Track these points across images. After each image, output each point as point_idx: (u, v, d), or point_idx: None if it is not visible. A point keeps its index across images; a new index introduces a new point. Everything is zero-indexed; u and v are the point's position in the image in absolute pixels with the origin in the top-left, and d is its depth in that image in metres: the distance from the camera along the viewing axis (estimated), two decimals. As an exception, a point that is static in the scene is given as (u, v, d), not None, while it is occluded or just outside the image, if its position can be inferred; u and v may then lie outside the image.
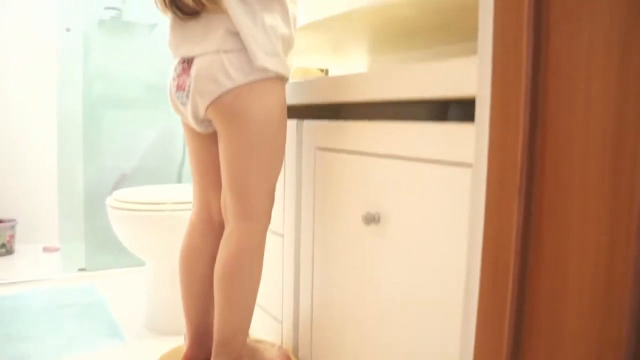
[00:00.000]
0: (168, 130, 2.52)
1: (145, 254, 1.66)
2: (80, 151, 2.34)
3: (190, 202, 1.56)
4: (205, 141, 1.06)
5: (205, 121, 0.99)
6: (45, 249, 2.52)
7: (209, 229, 1.09)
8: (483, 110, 0.57)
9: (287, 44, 0.97)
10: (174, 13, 0.95)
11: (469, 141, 0.70)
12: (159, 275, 1.67)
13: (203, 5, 0.91)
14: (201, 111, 0.96)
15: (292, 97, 1.10)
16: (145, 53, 2.47)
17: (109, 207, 1.62)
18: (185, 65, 0.96)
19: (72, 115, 2.35)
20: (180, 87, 0.97)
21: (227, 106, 0.92)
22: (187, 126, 1.06)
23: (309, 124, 1.09)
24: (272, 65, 0.93)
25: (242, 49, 0.91)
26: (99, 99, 2.41)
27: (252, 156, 0.95)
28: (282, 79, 0.97)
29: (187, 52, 0.95)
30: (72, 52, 2.30)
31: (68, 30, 2.21)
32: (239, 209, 0.97)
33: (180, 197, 1.57)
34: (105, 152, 2.42)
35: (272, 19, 0.93)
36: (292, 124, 1.12)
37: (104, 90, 2.43)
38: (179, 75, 0.98)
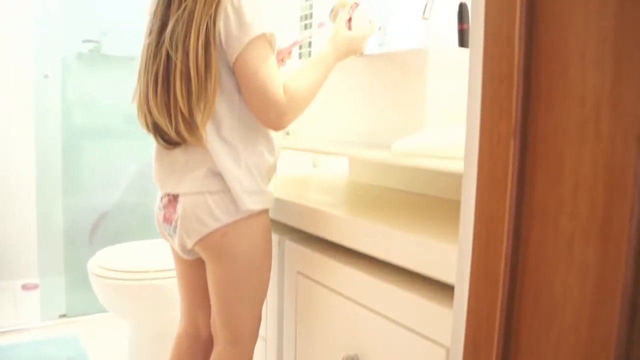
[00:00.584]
0: (148, 162, 2.48)
1: (129, 318, 1.63)
2: (60, 184, 2.28)
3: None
4: (193, 265, 1.04)
5: (193, 251, 0.98)
6: (24, 287, 2.47)
7: (196, 346, 1.07)
8: (461, 301, 0.56)
9: (272, 171, 0.96)
10: (158, 142, 0.93)
11: (446, 325, 0.69)
12: (142, 336, 1.64)
13: (185, 139, 0.88)
14: (188, 246, 0.95)
15: (276, 213, 1.07)
16: (125, 83, 2.42)
17: (90, 274, 1.57)
18: (171, 197, 0.94)
19: (51, 148, 2.28)
20: (167, 220, 0.96)
21: (213, 244, 0.91)
22: (174, 250, 1.04)
23: (290, 246, 1.05)
24: (257, 205, 0.92)
25: (227, 189, 0.89)
26: (78, 130, 2.35)
27: (240, 286, 0.94)
28: (266, 210, 0.96)
29: (172, 189, 0.93)
30: (50, 91, 2.23)
31: (46, 76, 2.13)
32: (227, 333, 0.97)
33: (165, 262, 1.53)
34: (86, 186, 2.36)
35: (257, 156, 0.91)
36: (275, 238, 1.08)
37: (83, 122, 2.37)
38: (164, 207, 0.96)
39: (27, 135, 2.61)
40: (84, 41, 2.38)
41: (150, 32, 0.91)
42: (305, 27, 1.87)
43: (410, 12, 1.49)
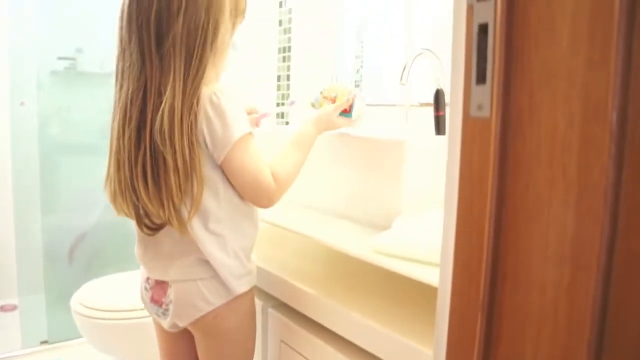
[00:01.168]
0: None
1: (113, 355, 1.67)
2: (38, 203, 2.27)
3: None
4: (177, 336, 1.08)
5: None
6: (3, 308, 2.47)
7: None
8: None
9: (254, 244, 1.01)
10: (141, 229, 0.94)
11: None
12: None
13: (174, 227, 0.91)
14: (180, 326, 0.99)
15: (258, 281, 1.10)
16: (102, 100, 2.39)
17: (74, 312, 1.60)
18: (160, 280, 0.98)
19: (28, 166, 2.27)
20: (155, 301, 0.99)
21: (206, 324, 0.96)
22: (157, 324, 1.08)
23: (273, 314, 1.10)
24: (245, 286, 0.97)
25: (216, 275, 0.94)
26: (56, 148, 2.34)
27: (231, 357, 1.00)
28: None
29: (160, 275, 0.97)
30: (26, 109, 2.21)
31: (22, 104, 2.11)
32: None
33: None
34: (65, 204, 2.37)
35: (243, 239, 0.96)
36: (258, 304, 1.12)
37: (60, 139, 2.36)
38: (152, 288, 0.99)
39: (3, 154, 2.57)
40: (59, 58, 2.35)
41: (129, 119, 0.89)
42: (284, 59, 1.90)
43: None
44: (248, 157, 0.90)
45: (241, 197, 0.94)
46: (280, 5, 1.90)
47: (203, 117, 0.86)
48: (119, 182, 0.92)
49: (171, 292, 0.95)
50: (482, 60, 0.55)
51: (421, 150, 1.01)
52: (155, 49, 0.86)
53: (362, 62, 1.64)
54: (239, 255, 0.95)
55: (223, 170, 0.91)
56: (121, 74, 0.91)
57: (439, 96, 1.06)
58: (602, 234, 0.46)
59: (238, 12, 0.96)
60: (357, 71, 1.66)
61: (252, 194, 0.93)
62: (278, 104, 1.95)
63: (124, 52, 0.89)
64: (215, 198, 0.91)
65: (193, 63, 0.87)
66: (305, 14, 1.82)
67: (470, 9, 0.55)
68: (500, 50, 0.53)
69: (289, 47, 1.87)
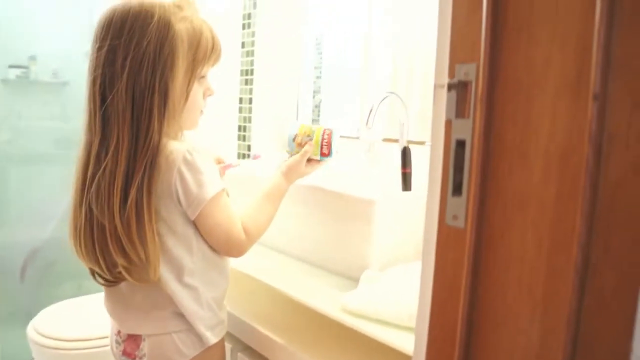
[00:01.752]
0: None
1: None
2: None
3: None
4: None
5: None
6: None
7: None
8: None
9: (225, 293, 1.02)
10: (97, 281, 0.95)
11: None
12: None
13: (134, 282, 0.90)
14: None
15: (228, 325, 1.10)
16: (56, 108, 2.32)
17: (30, 341, 1.57)
18: (132, 334, 0.97)
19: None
20: (128, 355, 0.98)
21: None
22: None
23: (242, 359, 1.12)
24: (218, 336, 0.99)
25: (190, 327, 0.94)
26: (6, 158, 2.26)
27: None
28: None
29: (134, 329, 0.96)
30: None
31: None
32: None
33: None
34: (16, 218, 2.29)
35: (216, 290, 0.98)
36: (227, 347, 1.13)
37: (11, 149, 2.28)
38: (124, 341, 0.98)
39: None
40: (11, 66, 2.26)
41: (78, 176, 0.90)
42: (246, 82, 1.90)
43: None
44: (220, 212, 0.92)
45: (213, 249, 0.96)
46: (244, 27, 1.90)
47: (176, 176, 0.86)
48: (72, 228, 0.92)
49: (145, 346, 0.95)
50: (458, 172, 0.58)
51: (389, 207, 1.04)
52: (99, 109, 0.85)
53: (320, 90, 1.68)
54: (212, 307, 0.96)
55: (196, 225, 0.92)
56: (86, 124, 0.89)
57: (405, 154, 1.10)
58: (565, 352, 0.51)
59: (202, 59, 0.91)
60: (316, 106, 1.70)
61: (224, 246, 0.95)
62: (242, 155, 1.95)
63: (87, 103, 0.89)
64: (189, 252, 0.92)
65: (141, 127, 0.84)
66: (267, 46, 1.83)
67: (448, 124, 0.58)
68: (477, 167, 0.56)
69: (252, 70, 1.87)
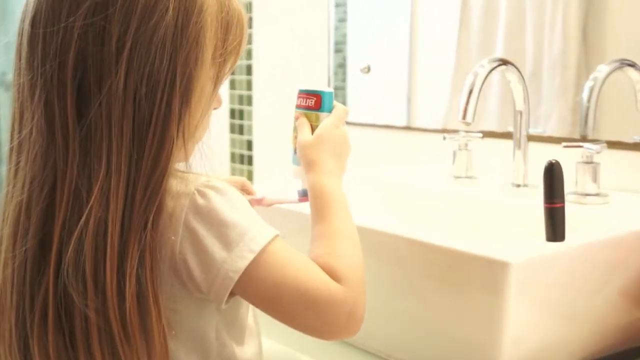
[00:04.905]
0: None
1: None
2: None
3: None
4: None
5: None
6: None
7: None
8: None
9: None
10: None
11: None
12: None
13: None
14: None
15: None
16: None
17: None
18: None
19: None
20: None
21: None
22: None
23: None
24: None
25: None
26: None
27: None
28: None
29: None
30: None
31: None
32: None
33: None
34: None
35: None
36: None
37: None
38: None
39: None
40: None
41: (23, 233, 0.61)
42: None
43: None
44: (282, 269, 0.63)
45: (242, 350, 0.70)
46: None
47: (184, 237, 0.61)
48: None
49: None
50: None
51: (534, 272, 0.65)
52: (74, 119, 0.61)
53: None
54: None
55: (229, 310, 0.66)
56: (18, 146, 0.64)
57: (553, 174, 0.65)
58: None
59: (232, 51, 0.67)
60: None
61: (313, 320, 0.64)
62: (240, 157, 1.52)
63: (22, 110, 0.63)
64: (203, 357, 0.69)
65: (147, 144, 0.60)
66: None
67: None
68: None
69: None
